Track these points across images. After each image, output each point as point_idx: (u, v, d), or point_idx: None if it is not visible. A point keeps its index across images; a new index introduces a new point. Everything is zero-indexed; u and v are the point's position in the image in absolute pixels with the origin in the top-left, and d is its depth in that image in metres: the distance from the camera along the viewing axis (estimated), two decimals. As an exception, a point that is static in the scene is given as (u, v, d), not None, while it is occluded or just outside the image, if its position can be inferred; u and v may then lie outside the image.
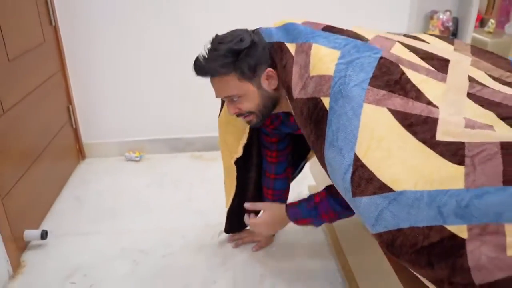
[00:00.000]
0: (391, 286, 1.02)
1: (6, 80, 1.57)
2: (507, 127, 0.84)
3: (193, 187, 2.09)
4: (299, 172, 1.72)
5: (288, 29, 1.17)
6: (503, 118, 0.87)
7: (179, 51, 2.19)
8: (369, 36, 1.11)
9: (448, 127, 0.86)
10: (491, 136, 0.81)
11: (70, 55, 2.16)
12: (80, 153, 2.37)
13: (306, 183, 1.91)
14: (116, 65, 2.23)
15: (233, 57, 1.09)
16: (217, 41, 1.12)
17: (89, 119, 2.34)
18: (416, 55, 1.06)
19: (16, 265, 1.55)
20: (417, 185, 0.80)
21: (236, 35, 1.12)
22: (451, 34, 2.44)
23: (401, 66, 1.00)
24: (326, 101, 0.99)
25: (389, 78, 0.97)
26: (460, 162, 0.79)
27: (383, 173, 0.86)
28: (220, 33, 1.16)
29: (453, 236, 0.74)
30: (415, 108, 0.91)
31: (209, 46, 1.13)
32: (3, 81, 1.53)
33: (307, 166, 1.77)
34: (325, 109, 0.98)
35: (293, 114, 1.11)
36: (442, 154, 0.82)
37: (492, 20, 3.09)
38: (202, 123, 2.37)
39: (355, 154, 0.90)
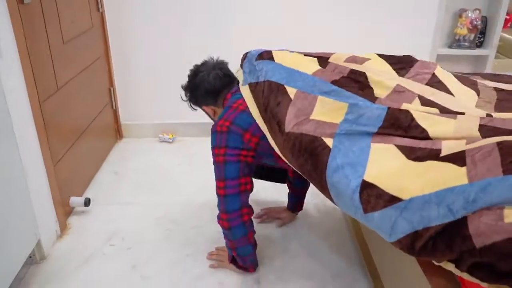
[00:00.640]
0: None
1: (61, 60, 1.74)
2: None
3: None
4: None
5: (293, 74, 1.29)
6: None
7: (215, 41, 2.33)
8: (386, 87, 1.15)
9: (450, 146, 0.95)
10: (488, 140, 0.92)
11: (114, 40, 2.33)
12: (118, 132, 2.54)
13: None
14: (155, 51, 2.39)
15: None
16: None
17: (128, 101, 2.51)
18: (434, 107, 1.09)
19: (63, 227, 1.73)
20: (424, 189, 0.88)
21: None
22: (479, 32, 2.48)
23: (411, 112, 1.06)
24: (328, 141, 1.07)
25: (398, 126, 1.04)
26: (462, 164, 0.88)
27: (391, 187, 0.93)
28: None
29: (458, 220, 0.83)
30: (421, 143, 0.99)
31: None
32: (58, 61, 1.70)
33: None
34: (327, 146, 1.06)
35: (278, 146, 1.20)
36: (445, 161, 0.91)
37: (522, 20, 3.08)
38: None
39: (363, 179, 0.97)
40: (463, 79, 1.25)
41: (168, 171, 2.22)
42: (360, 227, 1.64)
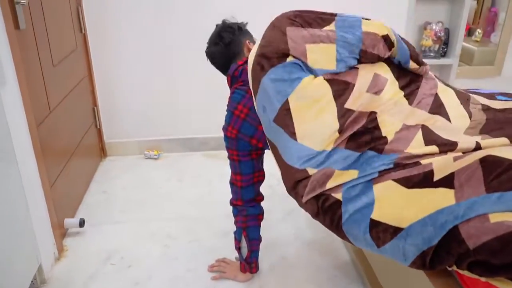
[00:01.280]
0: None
1: (52, 83, 1.75)
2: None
3: (212, 182, 2.28)
4: None
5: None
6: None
7: (199, 60, 2.38)
8: (396, 127, 1.20)
9: (440, 166, 1.06)
10: (473, 156, 1.03)
11: (96, 60, 2.35)
12: (102, 151, 2.54)
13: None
14: (136, 70, 2.42)
15: None
16: None
17: (112, 120, 2.52)
18: (433, 142, 1.17)
19: (60, 249, 1.72)
20: (418, 215, 1.01)
21: None
22: (443, 43, 2.68)
23: (418, 159, 1.13)
24: (338, 196, 1.15)
25: (400, 167, 1.12)
26: (451, 187, 1.00)
27: (392, 219, 1.05)
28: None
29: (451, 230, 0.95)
30: (414, 170, 1.09)
31: None
32: (49, 84, 1.72)
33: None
34: (337, 200, 1.14)
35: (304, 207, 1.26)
36: (438, 186, 1.03)
37: (479, 30, 3.32)
38: (215, 123, 2.56)
39: (370, 219, 1.09)
40: (459, 94, 1.35)
41: (157, 187, 2.24)
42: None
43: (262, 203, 1.54)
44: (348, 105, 1.20)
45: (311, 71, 1.24)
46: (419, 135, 1.18)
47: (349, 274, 1.63)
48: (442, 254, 0.98)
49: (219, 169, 2.40)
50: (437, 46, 2.67)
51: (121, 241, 1.81)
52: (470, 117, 1.25)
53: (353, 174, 1.14)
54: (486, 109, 1.29)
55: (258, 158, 1.46)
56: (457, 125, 1.22)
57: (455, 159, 1.06)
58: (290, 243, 1.81)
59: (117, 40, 2.34)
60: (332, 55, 1.23)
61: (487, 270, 0.91)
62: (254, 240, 1.52)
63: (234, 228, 1.53)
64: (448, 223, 0.95)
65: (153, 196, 2.15)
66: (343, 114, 1.19)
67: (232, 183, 1.49)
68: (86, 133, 2.25)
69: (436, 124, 1.22)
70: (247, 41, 1.47)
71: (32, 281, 1.52)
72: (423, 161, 1.10)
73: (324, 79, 1.22)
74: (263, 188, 1.53)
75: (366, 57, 1.25)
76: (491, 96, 1.39)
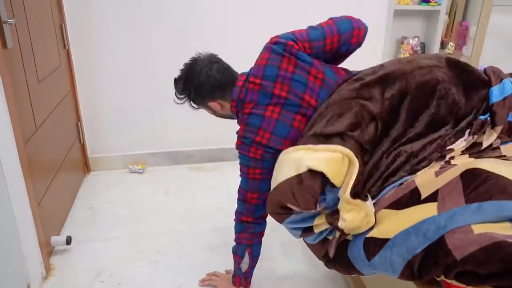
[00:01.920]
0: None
1: (37, 99, 1.74)
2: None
3: (196, 195, 2.29)
4: None
5: None
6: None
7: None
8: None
9: (424, 183, 1.12)
10: (455, 171, 1.09)
11: (79, 75, 2.34)
12: (86, 166, 2.52)
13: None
14: (119, 85, 2.42)
15: None
16: None
17: (95, 135, 2.51)
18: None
19: (48, 268, 1.70)
20: (403, 225, 1.06)
21: None
22: (419, 56, 2.78)
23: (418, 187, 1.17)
24: (348, 236, 1.22)
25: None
26: (434, 201, 1.06)
27: (380, 233, 1.11)
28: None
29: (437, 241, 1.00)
30: (399, 191, 1.15)
31: None
32: (35, 100, 1.70)
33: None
34: (346, 240, 1.21)
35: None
36: (425, 202, 1.08)
37: (451, 43, 3.46)
38: (200, 136, 2.59)
39: (365, 237, 1.14)
40: None
41: (144, 201, 2.24)
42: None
43: None
44: None
45: None
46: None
47: (338, 285, 1.67)
48: (429, 265, 1.02)
49: (202, 182, 2.42)
50: (413, 59, 2.77)
51: (110, 258, 1.80)
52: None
53: None
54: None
55: None
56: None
57: (437, 174, 1.12)
58: (280, 255, 1.83)
59: (100, 55, 2.34)
60: None
61: (474, 279, 0.96)
62: (257, 257, 1.55)
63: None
64: (430, 232, 1.00)
65: (140, 211, 2.14)
66: None
67: (244, 201, 1.44)
68: (70, 148, 2.23)
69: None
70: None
71: (20, 302, 1.49)
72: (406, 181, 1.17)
73: None
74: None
75: None
76: None
